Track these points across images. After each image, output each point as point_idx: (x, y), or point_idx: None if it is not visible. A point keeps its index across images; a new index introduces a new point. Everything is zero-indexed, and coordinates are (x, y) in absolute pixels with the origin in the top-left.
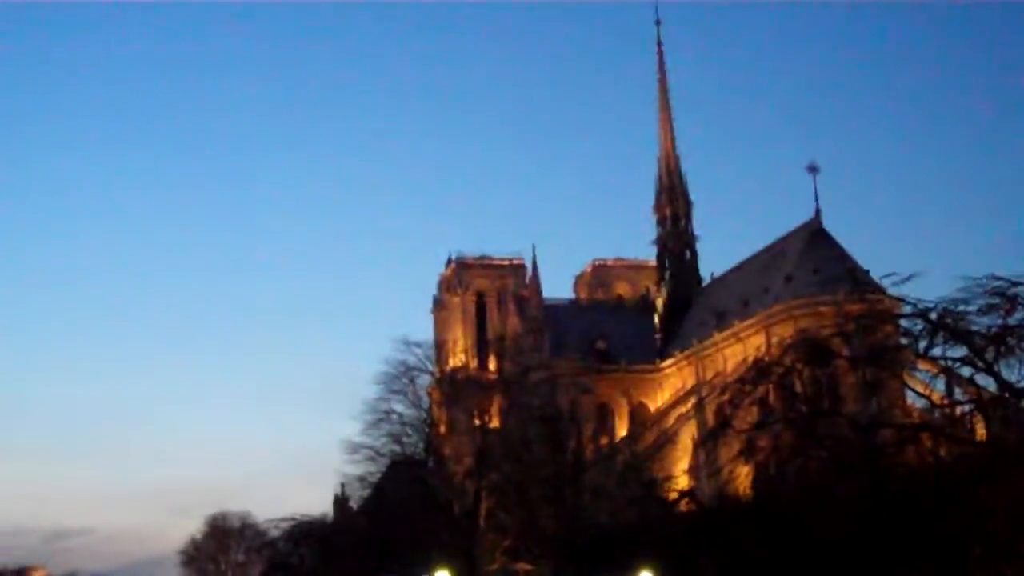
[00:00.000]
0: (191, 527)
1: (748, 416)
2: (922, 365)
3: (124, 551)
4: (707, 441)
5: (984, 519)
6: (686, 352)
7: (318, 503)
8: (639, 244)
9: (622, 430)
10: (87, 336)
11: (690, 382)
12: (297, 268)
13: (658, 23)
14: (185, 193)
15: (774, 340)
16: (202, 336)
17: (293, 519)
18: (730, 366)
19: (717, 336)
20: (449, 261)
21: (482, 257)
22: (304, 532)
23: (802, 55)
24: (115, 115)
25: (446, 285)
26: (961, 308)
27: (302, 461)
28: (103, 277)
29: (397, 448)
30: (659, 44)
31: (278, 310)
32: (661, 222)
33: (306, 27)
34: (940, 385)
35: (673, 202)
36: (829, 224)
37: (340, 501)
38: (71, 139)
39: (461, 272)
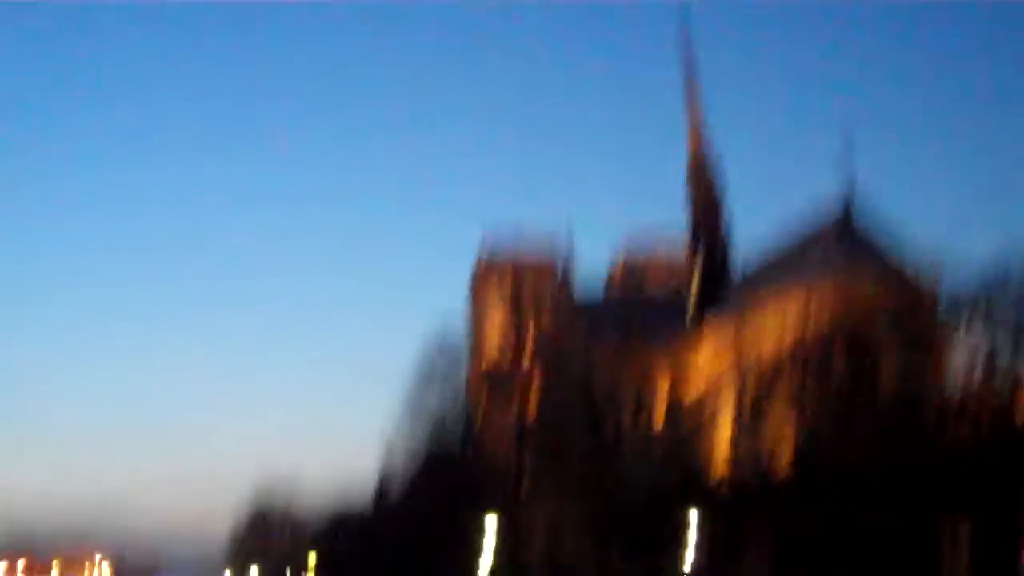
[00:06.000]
0: (235, 511)
1: (787, 400)
2: (961, 348)
3: (173, 534)
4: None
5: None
6: (722, 336)
7: (359, 484)
8: (671, 225)
9: (659, 417)
10: (145, 331)
11: (727, 367)
12: (335, 250)
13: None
14: (220, 185)
15: (811, 324)
16: (243, 326)
17: (335, 512)
18: (768, 351)
19: (753, 320)
20: (480, 258)
21: (515, 255)
22: (344, 523)
23: (835, 34)
24: (137, 110)
25: (480, 279)
26: (998, 292)
27: (343, 443)
28: (140, 271)
29: (435, 444)
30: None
31: (319, 293)
32: (694, 217)
33: (335, 9)
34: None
35: (704, 192)
36: (864, 208)
37: (380, 495)
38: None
39: (493, 266)
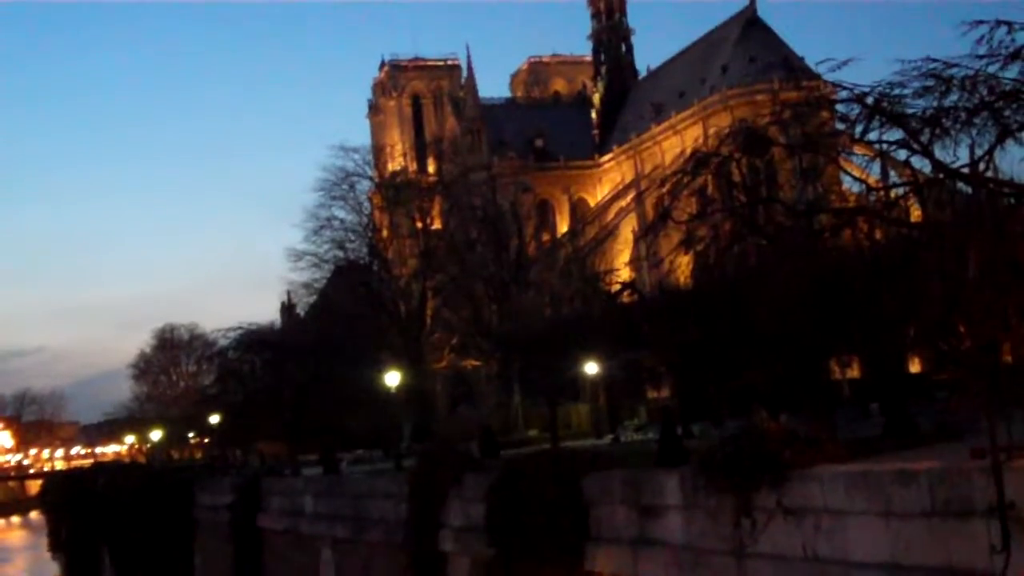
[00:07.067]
0: (140, 341)
1: (687, 207)
2: (858, 150)
3: (75, 368)
4: (647, 233)
5: (919, 297)
6: (624, 146)
7: (265, 312)
8: (575, 39)
9: (563, 226)
10: (30, 157)
11: (629, 176)
12: (234, 82)
13: None
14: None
15: (711, 131)
16: (145, 154)
17: (241, 328)
18: (668, 158)
19: (655, 129)
20: (383, 64)
21: (416, 59)
22: (253, 340)
23: None
24: None
25: (381, 89)
26: (897, 92)
27: (247, 271)
28: (45, 94)
29: (340, 254)
30: None
31: (218, 124)
32: (596, 16)
33: None
34: (876, 169)
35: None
36: (764, 12)
37: (287, 308)
38: None
39: (395, 75)
